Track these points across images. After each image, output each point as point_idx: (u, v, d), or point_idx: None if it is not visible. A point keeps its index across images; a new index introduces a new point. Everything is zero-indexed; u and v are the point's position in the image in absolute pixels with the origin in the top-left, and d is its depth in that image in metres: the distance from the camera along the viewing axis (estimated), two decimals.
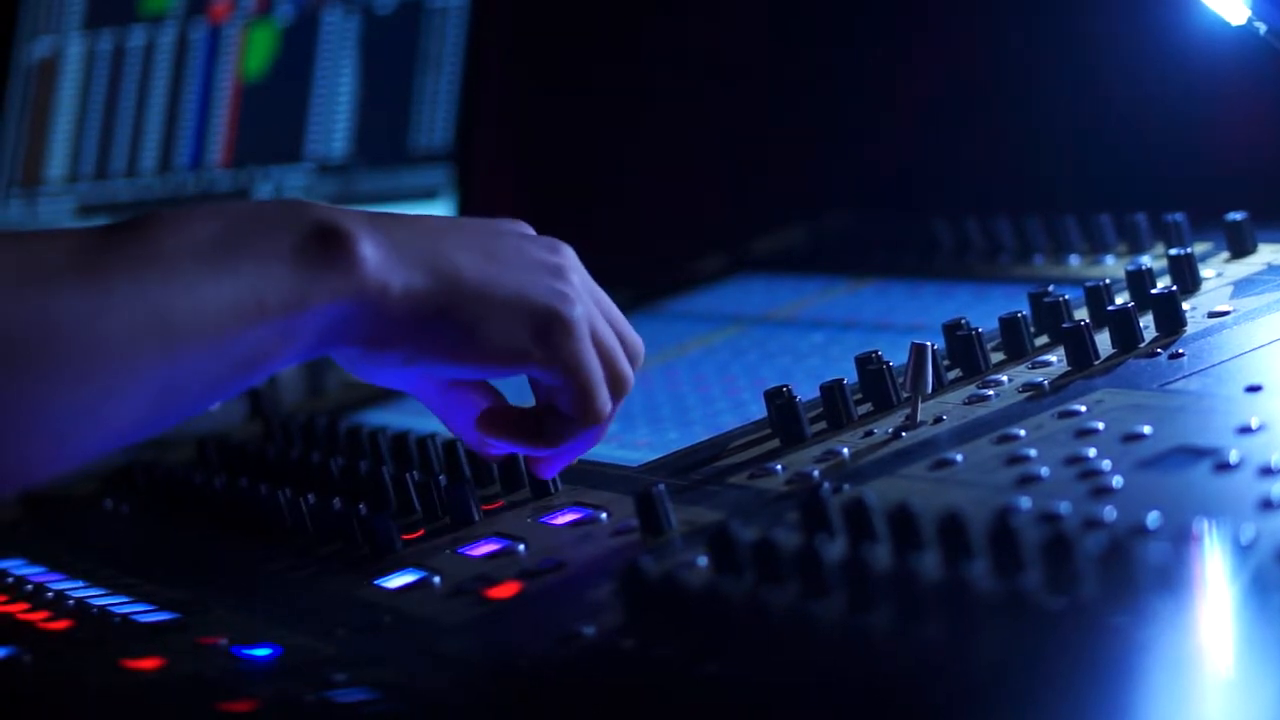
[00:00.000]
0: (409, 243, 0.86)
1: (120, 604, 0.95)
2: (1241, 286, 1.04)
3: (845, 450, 0.93)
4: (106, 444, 0.81)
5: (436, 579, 0.90)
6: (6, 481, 0.81)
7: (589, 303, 0.91)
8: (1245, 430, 0.81)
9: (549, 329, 0.89)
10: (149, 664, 0.84)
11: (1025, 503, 0.78)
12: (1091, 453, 0.82)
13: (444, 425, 0.96)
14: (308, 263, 0.83)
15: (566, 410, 0.91)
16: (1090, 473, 0.80)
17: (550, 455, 0.94)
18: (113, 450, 0.82)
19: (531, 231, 0.93)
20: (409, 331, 0.86)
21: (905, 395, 0.97)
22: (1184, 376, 0.91)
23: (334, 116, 1.66)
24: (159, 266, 0.80)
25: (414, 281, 0.86)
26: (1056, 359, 0.98)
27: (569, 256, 0.91)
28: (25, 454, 0.78)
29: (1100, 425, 0.86)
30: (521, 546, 0.92)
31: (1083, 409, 0.89)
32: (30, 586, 1.00)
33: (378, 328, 0.85)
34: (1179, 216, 1.13)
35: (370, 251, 0.84)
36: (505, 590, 0.87)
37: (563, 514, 0.95)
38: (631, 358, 0.93)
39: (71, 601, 0.96)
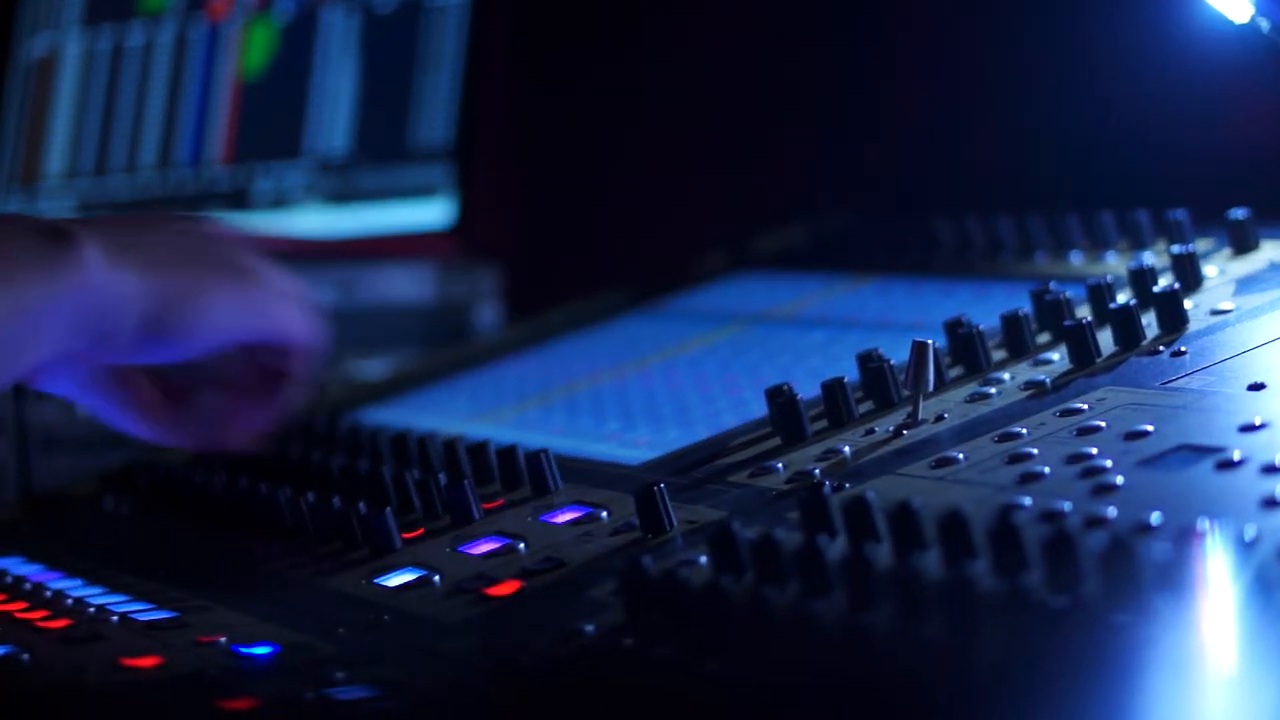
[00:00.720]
0: (125, 244, 0.91)
1: (119, 602, 0.95)
2: (1244, 284, 1.04)
3: (846, 449, 0.92)
4: None
5: (436, 577, 0.90)
6: None
7: (279, 283, 0.96)
8: (1248, 428, 0.81)
9: (263, 304, 0.94)
10: (148, 662, 0.84)
11: (1027, 501, 0.77)
12: (1093, 451, 0.82)
13: (114, 422, 1.00)
14: (40, 263, 0.86)
15: (283, 363, 0.98)
16: (1092, 471, 0.80)
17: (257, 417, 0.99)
18: None
19: (217, 227, 0.99)
20: (135, 324, 0.90)
21: (906, 393, 0.97)
22: (1186, 374, 0.91)
23: (334, 114, 1.66)
24: None
25: (134, 278, 0.90)
26: (1058, 357, 0.98)
27: (252, 245, 0.98)
28: None
29: (1102, 423, 0.86)
30: (521, 545, 0.92)
31: (1084, 407, 0.89)
32: (29, 585, 1.00)
33: (107, 323, 0.89)
34: (1181, 214, 1.13)
35: (94, 252, 0.88)
36: (505, 589, 0.87)
37: (563, 512, 0.95)
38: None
39: (70, 600, 0.96)
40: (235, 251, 0.96)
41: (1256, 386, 0.87)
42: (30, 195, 1.84)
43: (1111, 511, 0.73)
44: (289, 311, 0.96)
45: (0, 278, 0.85)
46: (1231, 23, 1.08)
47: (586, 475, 1.00)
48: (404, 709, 0.75)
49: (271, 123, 1.71)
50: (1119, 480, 0.78)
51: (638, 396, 1.17)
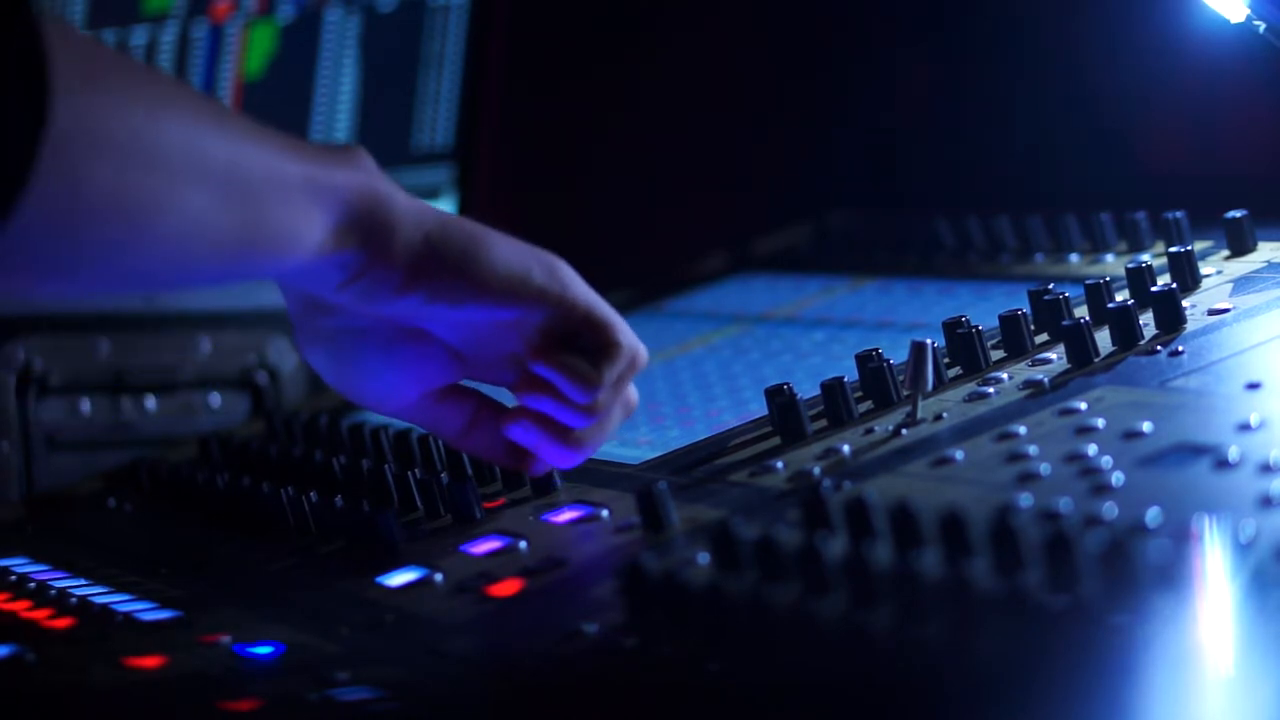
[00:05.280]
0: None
1: (123, 602, 0.95)
2: (1241, 284, 1.04)
3: (846, 448, 0.93)
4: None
5: (439, 577, 0.91)
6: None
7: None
8: (1245, 428, 0.81)
9: (554, 268, 0.91)
10: (151, 662, 0.84)
11: (1026, 500, 0.78)
12: (1091, 450, 0.83)
13: (449, 442, 0.97)
14: (330, 156, 0.87)
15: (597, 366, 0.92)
16: (1090, 470, 0.80)
17: (569, 447, 0.94)
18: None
19: None
20: (413, 252, 0.88)
21: (906, 393, 0.97)
22: (1184, 374, 0.91)
23: (335, 115, 1.66)
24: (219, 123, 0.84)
25: (420, 206, 0.89)
26: (1057, 357, 0.98)
27: None
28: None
29: (1100, 423, 0.86)
30: (523, 544, 0.92)
31: (1083, 406, 0.89)
32: (33, 585, 1.01)
33: (384, 236, 0.87)
34: (1179, 214, 1.14)
35: (380, 171, 0.88)
36: (507, 588, 0.87)
37: (564, 511, 0.95)
38: None
39: (74, 600, 0.96)
40: None
41: (1253, 386, 0.87)
42: None
43: (1110, 511, 0.73)
44: (587, 289, 0.92)
45: (282, 149, 0.85)
46: (1227, 23, 1.08)
47: (587, 474, 1.00)
48: (406, 709, 0.76)
49: (274, 124, 1.71)
50: (1117, 479, 0.78)
51: (639, 396, 1.17)
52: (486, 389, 0.97)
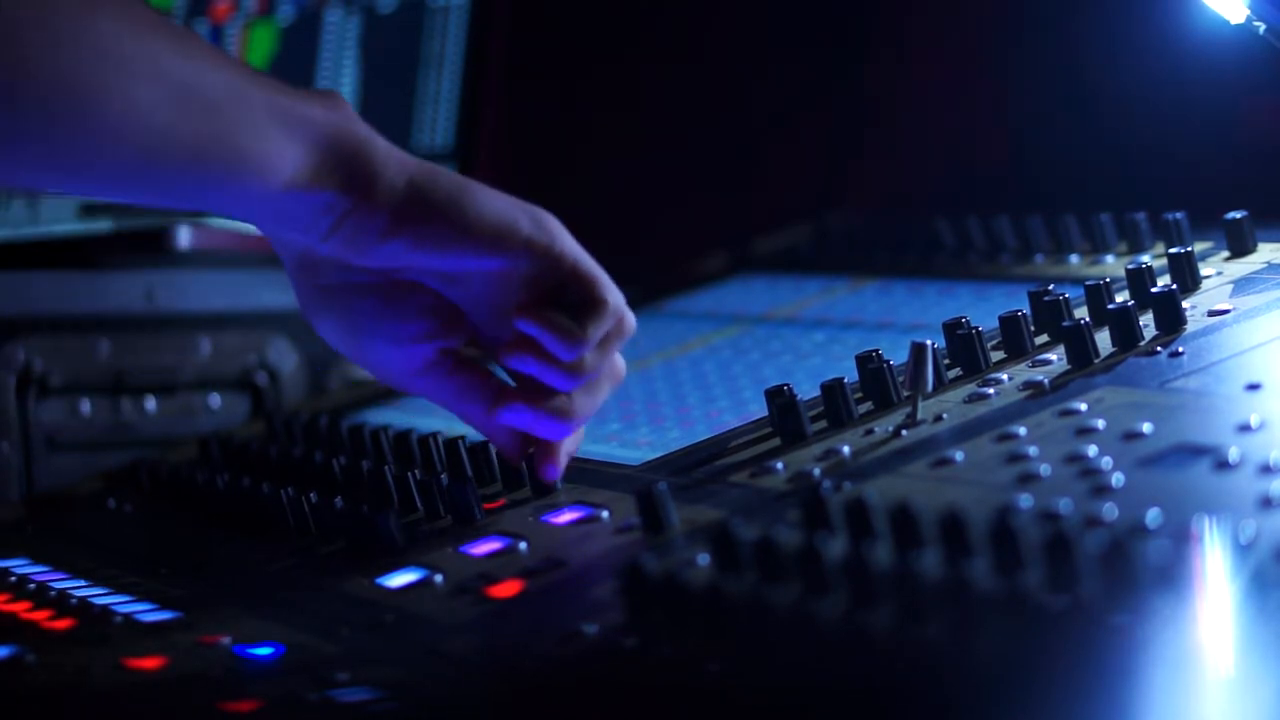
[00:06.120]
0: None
1: (123, 603, 0.95)
2: (1241, 285, 1.04)
3: (846, 449, 0.93)
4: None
5: (439, 578, 0.91)
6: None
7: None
8: (1245, 428, 0.81)
9: (542, 219, 0.92)
10: (151, 663, 0.85)
11: (1026, 501, 0.78)
12: (1092, 451, 0.83)
13: (476, 427, 0.97)
14: (304, 93, 0.87)
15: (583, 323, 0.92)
16: (1090, 471, 0.80)
17: (559, 426, 0.94)
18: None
19: None
20: (397, 196, 0.88)
21: (906, 394, 0.97)
22: (1184, 375, 0.91)
23: None
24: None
25: (401, 153, 0.89)
26: (1057, 357, 0.98)
27: None
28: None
29: (1100, 423, 0.86)
30: (523, 545, 0.92)
31: (1083, 407, 0.89)
32: (33, 585, 1.01)
33: (366, 178, 0.88)
34: (1179, 215, 1.14)
35: (357, 116, 0.89)
36: (507, 589, 0.87)
37: (564, 512, 0.95)
38: None
39: (74, 600, 0.96)
40: None
41: (1253, 387, 0.87)
42: (33, 197, 1.84)
43: (1110, 511, 0.73)
44: (574, 243, 0.92)
45: (241, 76, 0.85)
46: (1227, 24, 1.08)
47: (588, 475, 1.00)
48: (407, 710, 0.76)
49: None
50: (1117, 480, 0.78)
51: (639, 397, 1.18)
52: None
